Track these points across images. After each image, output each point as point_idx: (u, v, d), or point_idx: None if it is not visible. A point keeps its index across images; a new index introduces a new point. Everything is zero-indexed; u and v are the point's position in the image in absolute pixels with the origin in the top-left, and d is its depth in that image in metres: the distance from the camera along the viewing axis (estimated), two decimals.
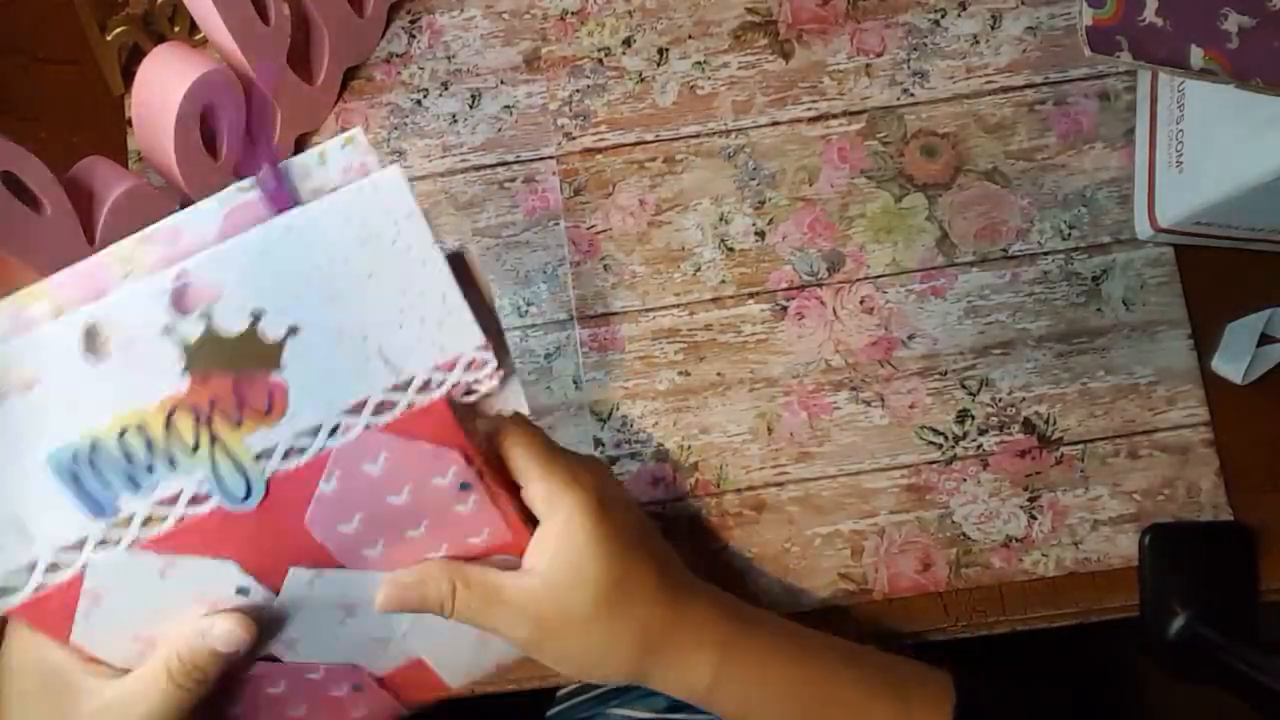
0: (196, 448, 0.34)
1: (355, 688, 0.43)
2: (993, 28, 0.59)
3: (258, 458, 0.35)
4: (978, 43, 0.59)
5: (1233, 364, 0.55)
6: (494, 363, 0.37)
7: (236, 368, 0.33)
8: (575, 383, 0.58)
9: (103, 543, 0.35)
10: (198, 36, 0.60)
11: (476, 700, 0.52)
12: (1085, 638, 0.58)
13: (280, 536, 0.37)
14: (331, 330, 0.34)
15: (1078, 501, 0.55)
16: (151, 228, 0.33)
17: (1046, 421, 0.56)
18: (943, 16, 0.60)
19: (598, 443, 0.57)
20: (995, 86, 0.59)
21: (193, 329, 0.32)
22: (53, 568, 0.35)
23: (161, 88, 0.49)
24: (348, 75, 0.61)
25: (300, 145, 0.61)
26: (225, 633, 0.37)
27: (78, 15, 0.57)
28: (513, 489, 0.42)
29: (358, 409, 0.35)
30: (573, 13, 0.61)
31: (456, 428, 0.37)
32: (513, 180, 0.60)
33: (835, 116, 0.59)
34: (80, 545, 0.35)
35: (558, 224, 0.59)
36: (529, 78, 0.61)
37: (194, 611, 0.38)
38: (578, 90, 0.60)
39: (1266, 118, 0.46)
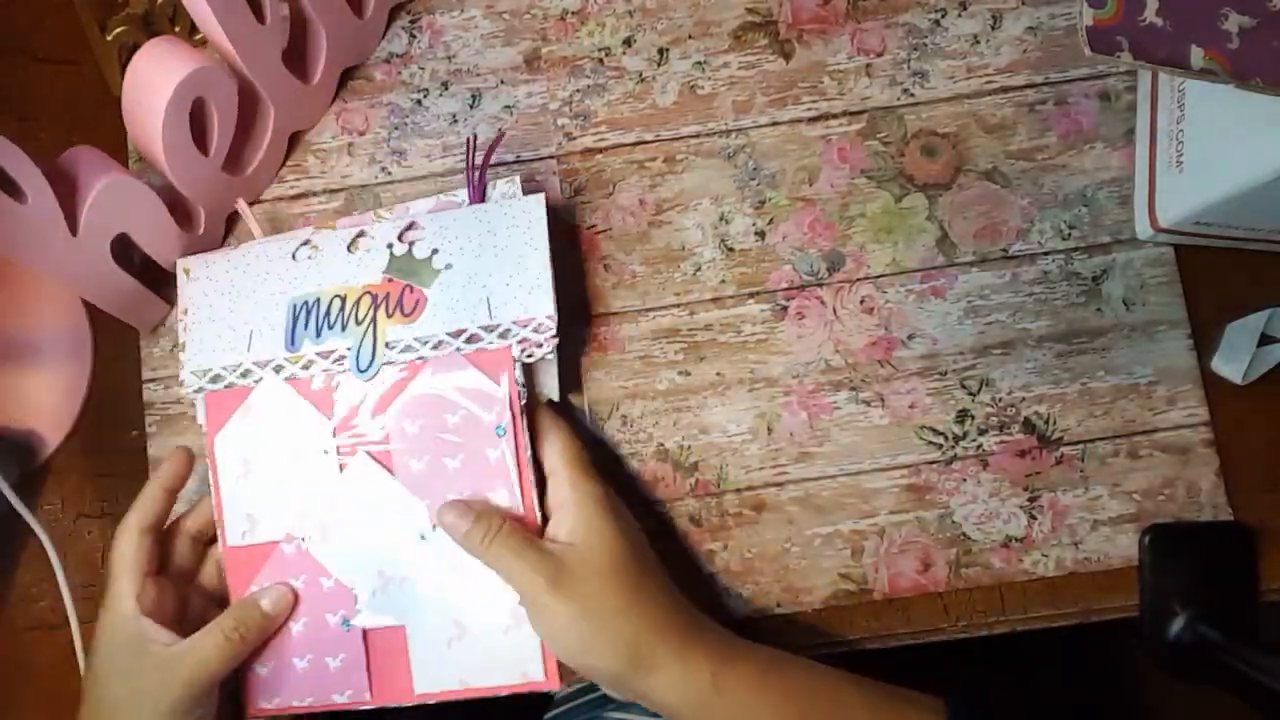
0: (360, 322, 0.54)
1: (344, 623, 0.53)
2: (993, 28, 0.59)
3: (388, 346, 0.53)
4: (978, 43, 0.59)
5: (1233, 364, 0.55)
6: (553, 330, 0.52)
7: (408, 278, 0.54)
8: (575, 382, 0.58)
9: (278, 369, 0.54)
10: (198, 36, 0.60)
11: (474, 704, 0.52)
12: (1085, 638, 0.58)
13: (368, 418, 0.53)
14: (468, 273, 0.53)
15: (1078, 501, 0.55)
16: (398, 206, 0.57)
17: (1046, 421, 0.56)
18: (943, 16, 0.60)
19: (598, 443, 0.57)
20: (995, 86, 0.59)
21: (399, 250, 0.55)
22: (245, 373, 0.55)
23: (152, 81, 0.49)
24: (348, 75, 0.61)
25: (294, 142, 0.61)
26: (276, 596, 0.52)
27: (77, 15, 0.57)
28: (538, 487, 0.52)
29: (457, 334, 0.53)
30: (573, 13, 0.61)
31: (513, 372, 0.52)
32: (512, 180, 0.60)
33: (835, 116, 0.59)
34: (266, 365, 0.54)
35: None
36: (529, 77, 0.61)
37: (284, 467, 0.54)
38: (578, 90, 0.60)
39: (1267, 118, 0.46)
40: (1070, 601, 0.55)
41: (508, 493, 0.52)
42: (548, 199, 0.54)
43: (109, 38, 0.58)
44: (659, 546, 0.53)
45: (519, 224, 0.54)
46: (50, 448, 0.59)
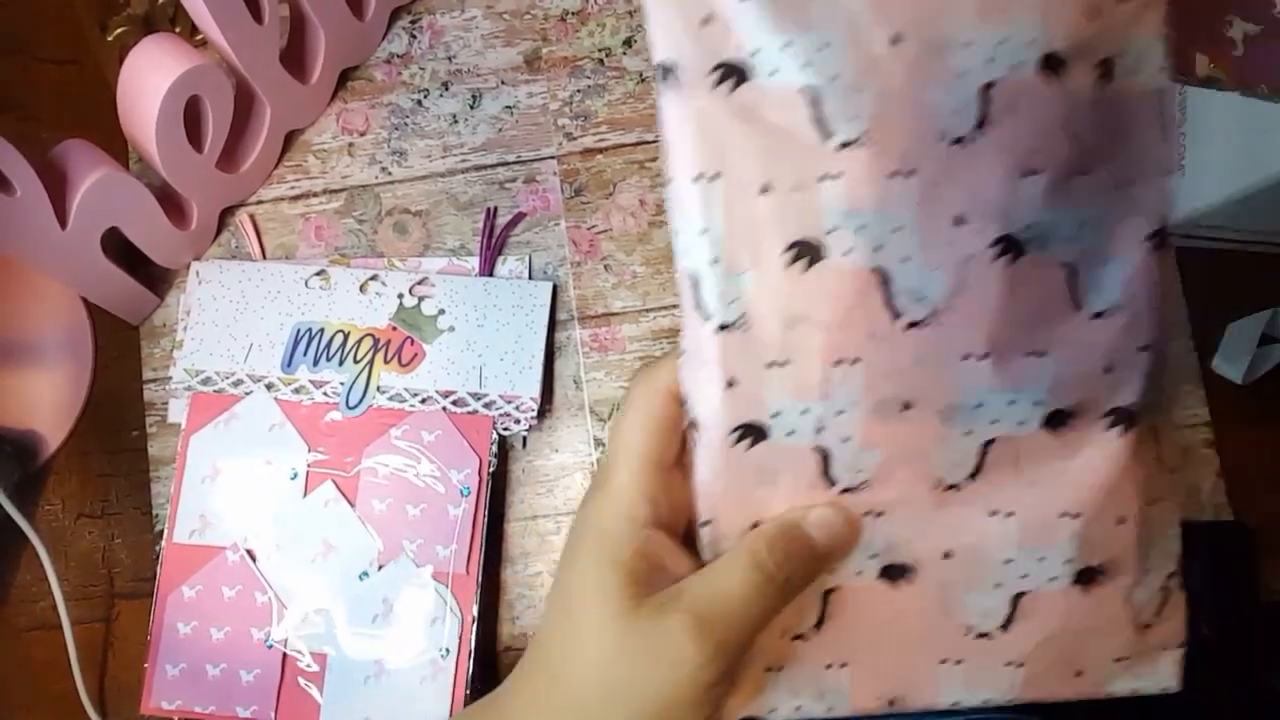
0: (358, 361, 0.56)
1: (268, 640, 0.54)
2: None
3: (379, 389, 0.56)
4: None
5: (1233, 364, 0.55)
6: (535, 411, 0.56)
7: (412, 330, 0.57)
8: (576, 383, 0.58)
9: (270, 386, 0.57)
10: (198, 36, 0.60)
11: None
12: None
13: (344, 451, 0.55)
14: (467, 339, 0.57)
15: None
16: (411, 259, 0.59)
17: None
18: None
19: (598, 443, 0.57)
20: None
21: (409, 302, 0.57)
22: (237, 383, 0.57)
23: (147, 79, 0.49)
24: (348, 75, 0.61)
25: (289, 141, 0.61)
26: (829, 523, 0.31)
27: (78, 15, 0.57)
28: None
29: (446, 395, 0.56)
30: (573, 13, 0.61)
31: (489, 441, 0.55)
32: (513, 180, 0.60)
33: None
34: (259, 380, 0.57)
35: (558, 224, 0.59)
36: (529, 78, 0.61)
37: (251, 479, 0.55)
38: (578, 90, 0.60)
39: (1267, 121, 0.46)
40: None
41: (457, 548, 0.54)
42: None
43: (109, 38, 0.58)
44: None
45: (523, 305, 0.57)
46: (51, 448, 0.59)
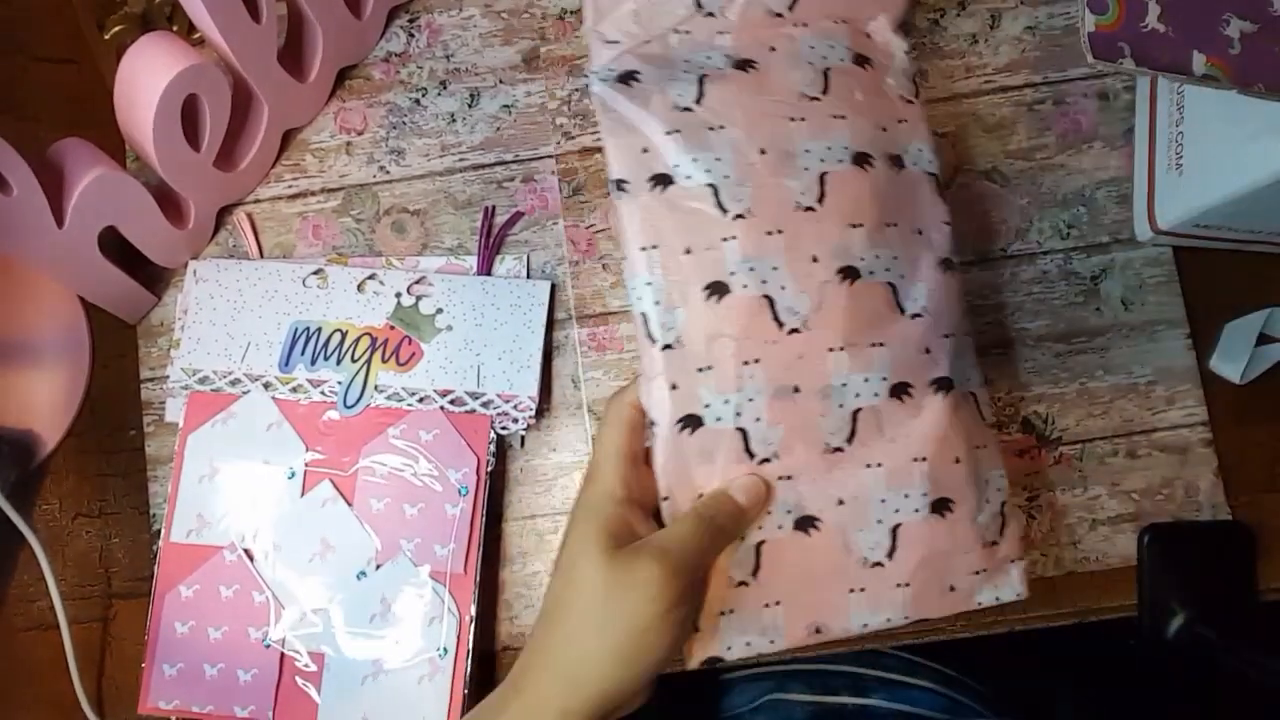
0: (356, 360, 0.57)
1: (265, 640, 0.54)
2: (992, 27, 0.59)
3: (377, 389, 0.56)
4: (977, 42, 0.59)
5: (1231, 363, 0.55)
6: (533, 411, 0.56)
7: (410, 330, 0.57)
8: (574, 382, 0.58)
9: (267, 385, 0.57)
10: (196, 35, 0.60)
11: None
12: (1085, 637, 0.58)
13: (341, 451, 0.56)
14: (465, 338, 0.57)
15: (1076, 501, 0.55)
16: (409, 258, 0.59)
17: (1045, 421, 0.56)
18: (942, 16, 0.60)
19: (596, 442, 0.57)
20: (994, 86, 0.59)
21: (407, 301, 0.57)
22: (234, 382, 0.57)
23: (144, 77, 0.49)
24: (346, 74, 0.61)
25: (287, 140, 0.61)
26: (749, 486, 0.44)
27: (76, 14, 0.57)
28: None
29: (444, 394, 0.56)
30: (572, 12, 0.61)
31: (487, 440, 0.55)
32: (511, 179, 0.60)
33: None
34: (256, 379, 0.57)
35: (556, 223, 0.59)
36: (528, 77, 0.61)
37: (248, 478, 0.55)
38: (576, 89, 0.60)
39: (1266, 121, 0.46)
40: (1069, 601, 0.55)
41: (455, 547, 0.54)
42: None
43: (107, 36, 0.58)
44: None
45: (521, 304, 0.57)
46: (48, 448, 0.59)
